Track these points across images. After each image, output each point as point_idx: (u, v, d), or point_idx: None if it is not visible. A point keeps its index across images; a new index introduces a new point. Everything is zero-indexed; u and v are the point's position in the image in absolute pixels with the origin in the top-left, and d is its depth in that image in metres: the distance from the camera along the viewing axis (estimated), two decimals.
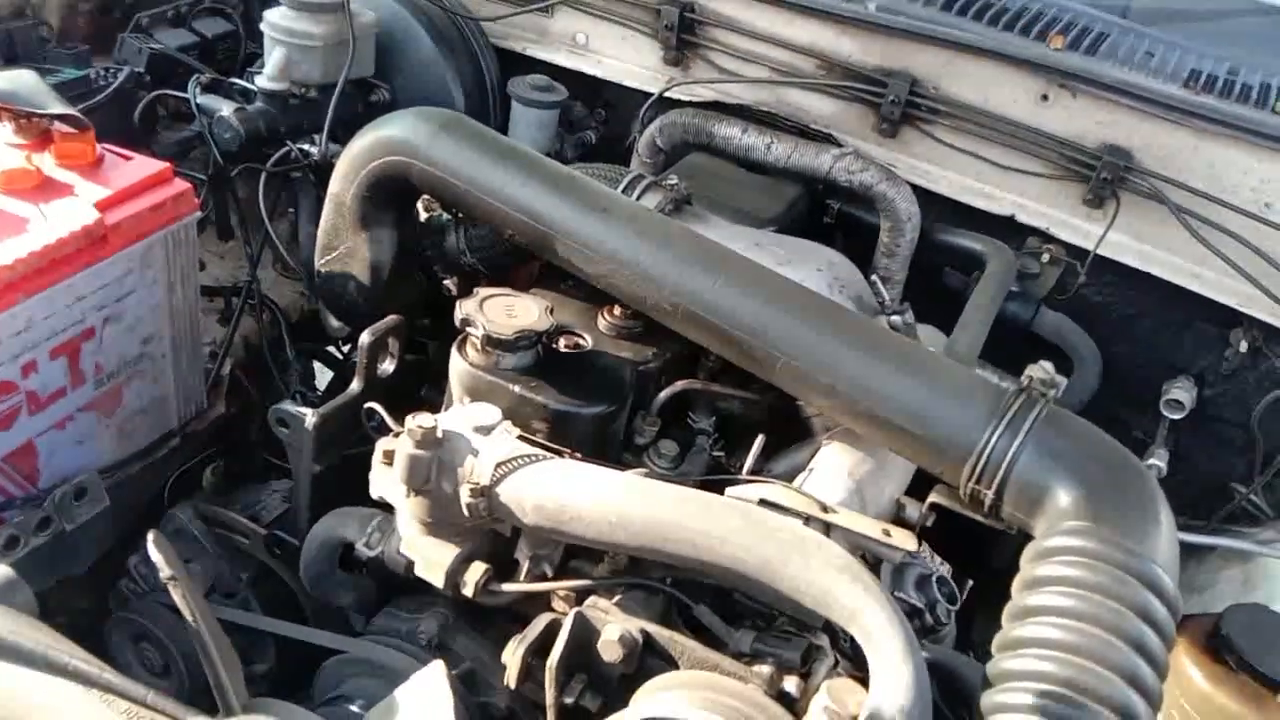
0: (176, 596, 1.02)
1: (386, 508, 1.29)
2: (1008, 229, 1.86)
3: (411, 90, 1.98)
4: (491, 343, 1.27)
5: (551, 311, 1.32)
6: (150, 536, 1.09)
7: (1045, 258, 1.85)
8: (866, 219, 1.86)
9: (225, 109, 1.76)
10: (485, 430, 1.18)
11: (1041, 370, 1.15)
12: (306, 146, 1.84)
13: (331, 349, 2.20)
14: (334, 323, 1.81)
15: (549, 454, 1.16)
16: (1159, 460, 1.79)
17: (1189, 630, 1.27)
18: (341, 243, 1.53)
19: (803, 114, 1.92)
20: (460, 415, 1.21)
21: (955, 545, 1.35)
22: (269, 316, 1.92)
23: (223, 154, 1.78)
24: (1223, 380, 1.85)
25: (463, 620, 1.37)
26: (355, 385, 1.36)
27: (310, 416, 1.32)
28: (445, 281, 1.67)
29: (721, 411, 1.44)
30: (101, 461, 1.51)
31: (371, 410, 1.33)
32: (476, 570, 1.21)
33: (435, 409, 1.24)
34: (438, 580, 1.21)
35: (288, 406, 1.34)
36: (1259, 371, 1.81)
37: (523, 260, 1.61)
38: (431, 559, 1.21)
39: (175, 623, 1.50)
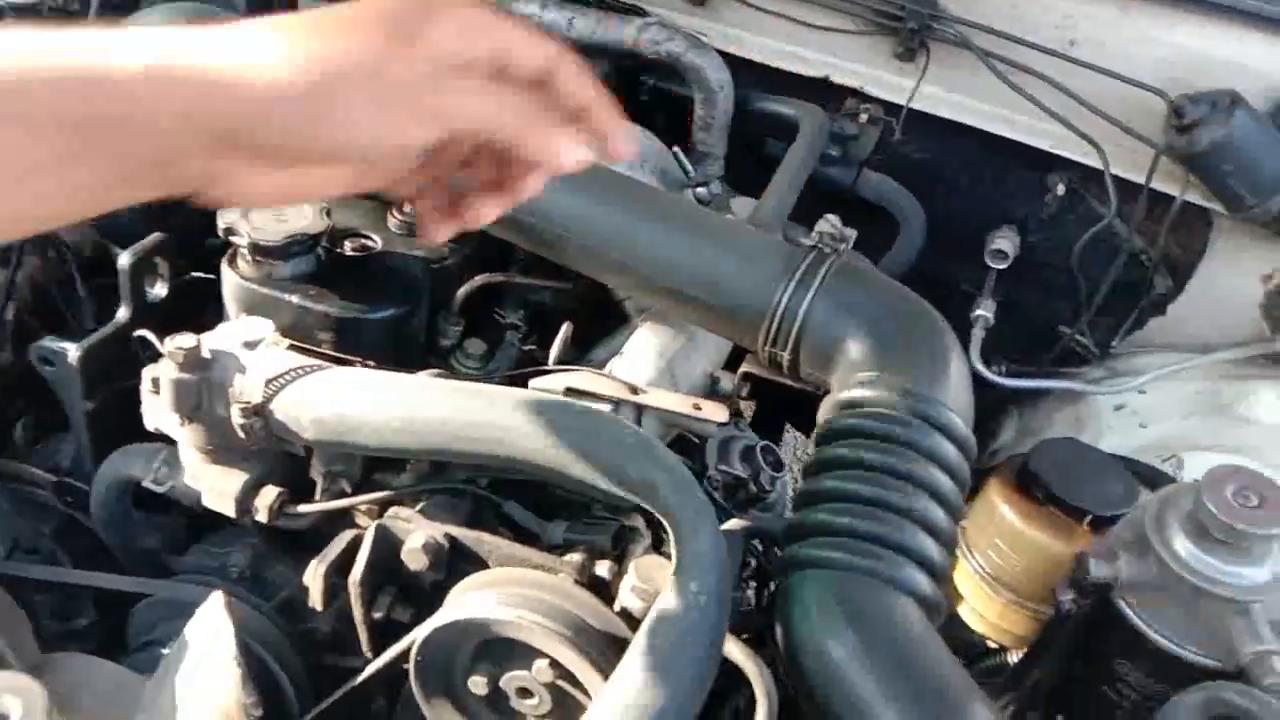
0: None
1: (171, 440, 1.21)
2: (824, 92, 1.82)
3: None
4: (261, 251, 1.18)
5: (329, 213, 1.24)
6: None
7: (863, 118, 1.82)
8: (682, 93, 1.79)
9: None
10: (255, 346, 1.11)
11: (829, 224, 1.12)
12: None
13: None
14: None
15: (327, 365, 1.09)
16: (986, 311, 1.81)
17: (1002, 470, 1.29)
18: None
19: None
20: (227, 332, 1.12)
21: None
22: (55, 254, 1.77)
23: None
24: (1044, 226, 1.87)
25: (276, 549, 1.31)
26: (122, 313, 1.25)
27: (73, 350, 1.22)
28: None
29: (532, 305, 1.38)
30: None
31: (144, 339, 1.23)
32: (268, 495, 1.14)
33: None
34: (228, 509, 1.14)
35: (48, 342, 1.23)
36: (1077, 214, 1.84)
37: None
38: (218, 488, 1.14)
39: None
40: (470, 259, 1.32)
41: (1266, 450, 1.47)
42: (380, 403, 1.03)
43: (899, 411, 1.00)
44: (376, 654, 1.14)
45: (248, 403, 1.05)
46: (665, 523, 0.97)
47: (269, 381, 1.05)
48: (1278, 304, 1.80)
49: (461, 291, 1.29)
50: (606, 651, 1.01)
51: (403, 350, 1.25)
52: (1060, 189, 1.82)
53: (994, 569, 1.25)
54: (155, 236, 1.27)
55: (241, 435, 1.07)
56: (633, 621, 0.99)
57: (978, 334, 1.80)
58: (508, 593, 1.04)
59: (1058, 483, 1.22)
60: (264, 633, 1.24)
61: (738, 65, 1.79)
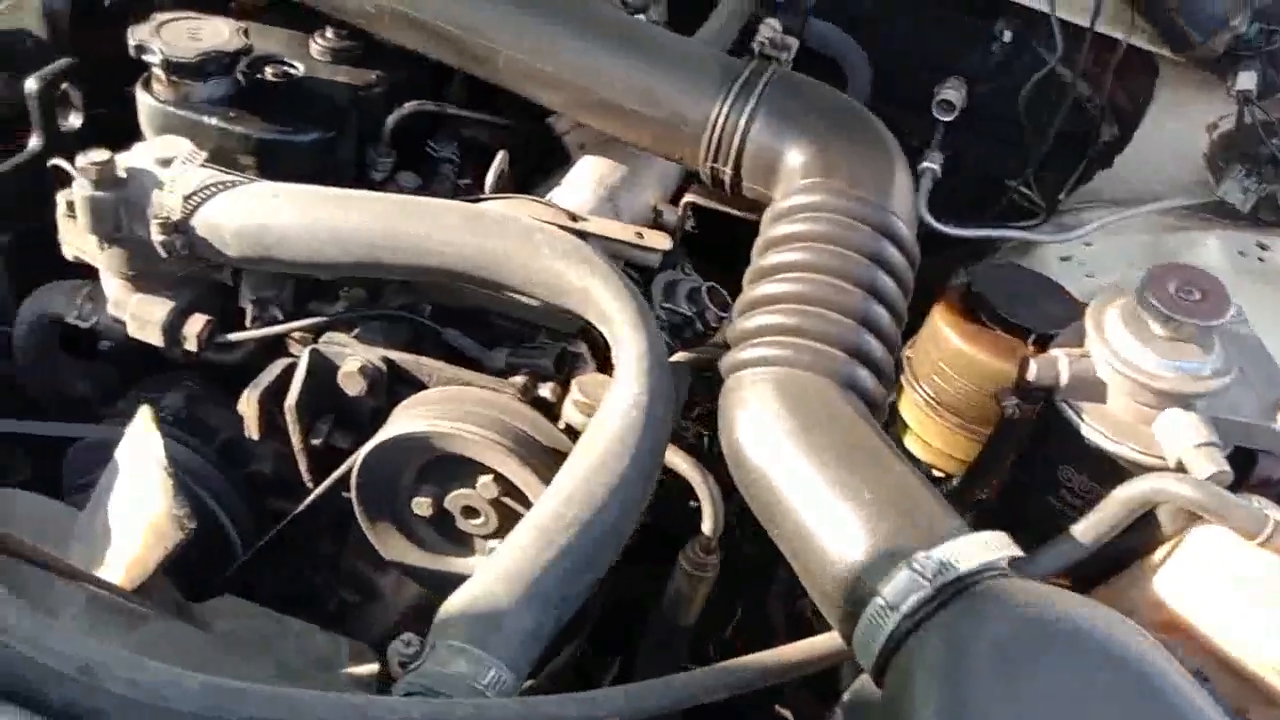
0: None
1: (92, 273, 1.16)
2: None
3: None
4: (174, 69, 1.11)
5: (246, 33, 1.17)
6: None
7: None
8: None
9: None
10: (164, 163, 1.05)
11: (771, 29, 1.08)
12: None
13: None
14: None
15: (244, 179, 1.04)
16: (933, 163, 1.80)
17: (945, 296, 1.29)
18: None
19: None
20: (142, 150, 1.07)
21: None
22: None
23: None
24: (992, 75, 1.85)
25: (213, 389, 1.27)
26: (34, 142, 1.18)
27: None
28: None
29: (467, 140, 1.33)
30: None
31: (58, 168, 1.17)
32: (196, 322, 1.10)
33: None
34: (154, 338, 1.10)
35: None
36: (1023, 61, 1.81)
37: None
38: (143, 316, 1.10)
39: None
40: (399, 87, 1.27)
41: None
42: (306, 213, 0.99)
43: (840, 215, 0.98)
44: (318, 484, 1.12)
45: (166, 218, 1.00)
46: (604, 330, 0.95)
47: (187, 197, 1.00)
48: (1220, 153, 1.80)
49: (391, 119, 1.24)
50: (552, 466, 0.99)
51: (330, 180, 1.20)
52: (1007, 35, 1.79)
53: (937, 393, 1.26)
54: (63, 61, 1.20)
55: (163, 254, 1.03)
56: (576, 436, 0.97)
57: (925, 185, 1.78)
58: (449, 408, 1.02)
59: (1001, 303, 1.22)
60: (204, 474, 1.21)
61: None
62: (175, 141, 1.07)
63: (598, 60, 1.09)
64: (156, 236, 1.01)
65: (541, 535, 0.79)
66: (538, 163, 1.38)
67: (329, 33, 1.25)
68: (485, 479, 1.01)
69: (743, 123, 1.05)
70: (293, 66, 1.23)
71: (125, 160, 1.04)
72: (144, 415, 0.95)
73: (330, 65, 1.24)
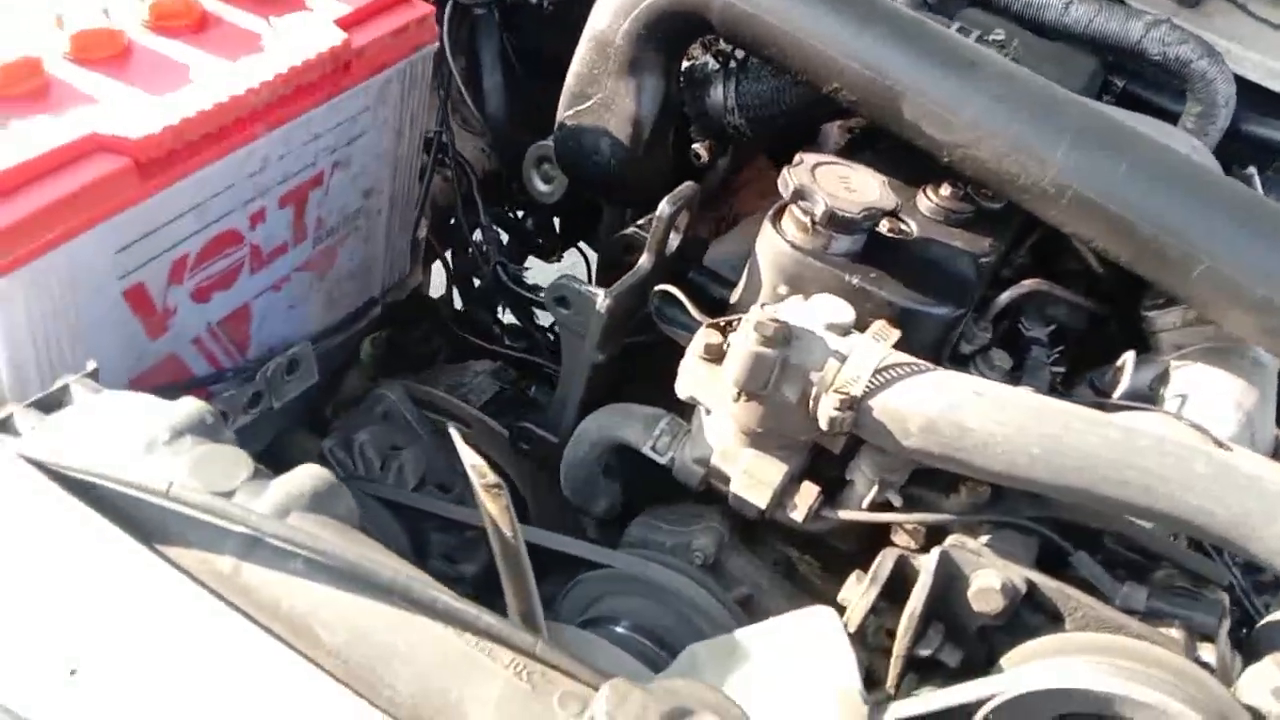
0: (495, 509, 0.83)
1: (678, 406, 1.10)
2: None
3: None
4: (832, 222, 1.04)
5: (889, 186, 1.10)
6: (455, 435, 0.91)
7: None
8: (1157, 101, 1.60)
9: None
10: (842, 330, 0.98)
11: None
12: None
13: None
14: (541, 186, 1.58)
15: (928, 365, 0.95)
16: None
17: None
18: (598, 91, 1.29)
19: None
20: (804, 310, 1.00)
21: None
22: (456, 174, 1.69)
23: None
24: None
25: (737, 538, 1.20)
26: (645, 261, 1.14)
27: (602, 297, 1.11)
28: (695, 145, 1.44)
29: (1052, 318, 1.23)
30: (308, 330, 1.32)
31: (665, 293, 1.12)
32: (808, 493, 1.02)
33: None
34: (761, 500, 1.03)
35: (574, 283, 1.12)
36: None
37: (801, 122, 1.37)
38: (756, 475, 1.02)
39: (388, 519, 1.33)
40: (1006, 257, 1.17)
41: None
42: (1017, 423, 0.89)
43: None
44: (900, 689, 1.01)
45: (847, 393, 0.92)
46: None
47: (877, 372, 0.92)
48: None
49: (1006, 296, 1.14)
50: None
51: (942, 353, 1.11)
52: None
53: None
54: (689, 186, 1.15)
55: (824, 426, 0.95)
56: None
57: None
58: (1117, 664, 0.90)
59: None
60: (725, 627, 1.13)
61: None
62: (836, 305, 1.00)
63: None
64: (827, 410, 0.93)
65: None
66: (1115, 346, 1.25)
67: (944, 189, 1.17)
68: None
69: None
70: (905, 223, 1.15)
71: (786, 316, 0.97)
72: (828, 617, 0.86)
73: (942, 226, 1.16)
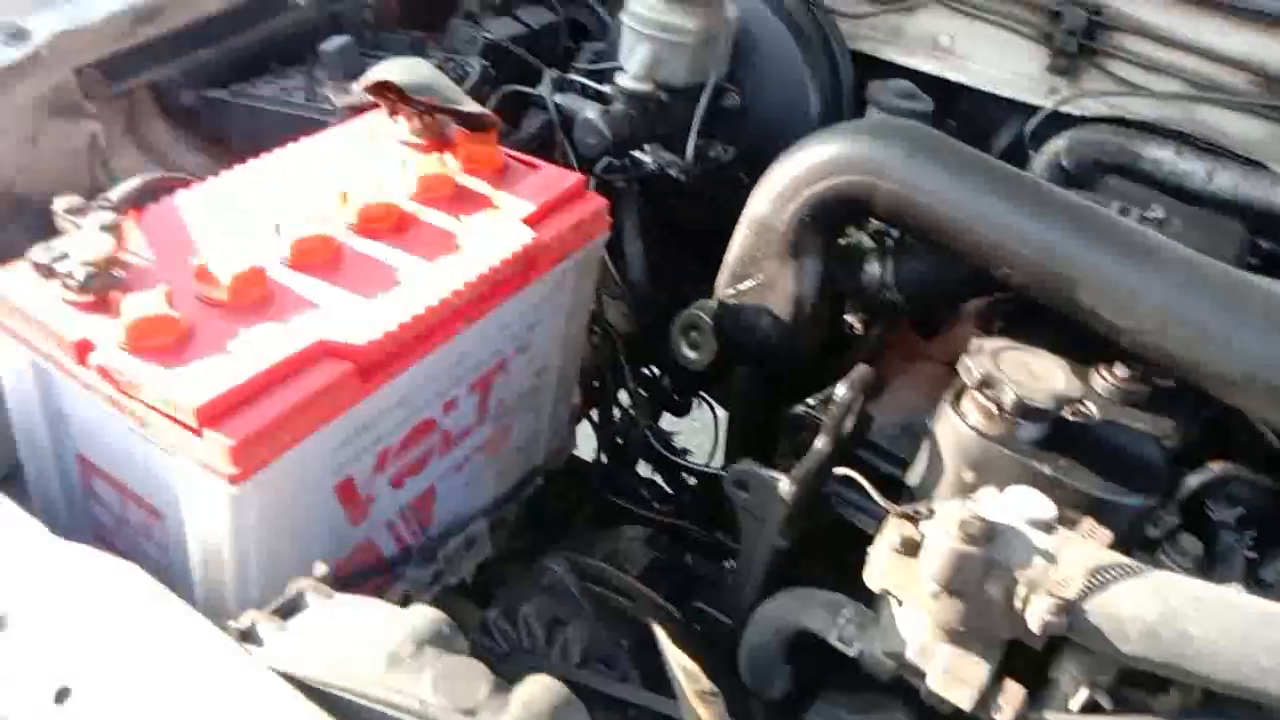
0: (707, 718, 0.83)
1: (846, 586, 1.09)
2: None
3: (763, 94, 1.77)
4: (1021, 410, 1.05)
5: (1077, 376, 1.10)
6: (659, 634, 0.92)
7: None
8: None
9: (590, 111, 1.58)
10: (1045, 526, 0.97)
11: None
12: (637, 154, 1.66)
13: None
14: (690, 353, 1.62)
15: (1144, 566, 0.94)
16: None
17: None
18: (759, 272, 1.34)
19: (1221, 136, 1.66)
20: (1000, 504, 0.99)
21: None
22: (601, 339, 1.74)
23: (580, 159, 1.60)
24: None
25: None
26: (823, 444, 1.15)
27: (785, 483, 1.12)
28: (849, 318, 1.47)
29: (1236, 498, 1.20)
30: (480, 502, 1.35)
31: (846, 477, 1.13)
32: (1014, 695, 1.00)
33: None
34: (964, 701, 1.00)
35: (754, 468, 1.14)
36: None
37: (955, 300, 1.40)
38: (958, 675, 1.00)
39: None
40: (1189, 439, 1.16)
41: None
42: (1240, 631, 0.87)
43: None
44: None
45: (1061, 597, 0.91)
46: None
47: (1093, 573, 0.91)
48: None
49: (1196, 480, 1.13)
50: None
51: (1132, 546, 1.09)
52: None
53: None
54: (864, 370, 1.17)
55: (1035, 629, 0.93)
56: None
57: None
58: None
59: None
60: None
61: None
62: (1037, 499, 0.99)
63: None
64: (1040, 612, 0.92)
65: None
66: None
67: (1120, 370, 1.17)
68: None
69: None
70: (1084, 405, 1.15)
71: (986, 511, 0.97)
72: None
73: (1121, 408, 1.15)
